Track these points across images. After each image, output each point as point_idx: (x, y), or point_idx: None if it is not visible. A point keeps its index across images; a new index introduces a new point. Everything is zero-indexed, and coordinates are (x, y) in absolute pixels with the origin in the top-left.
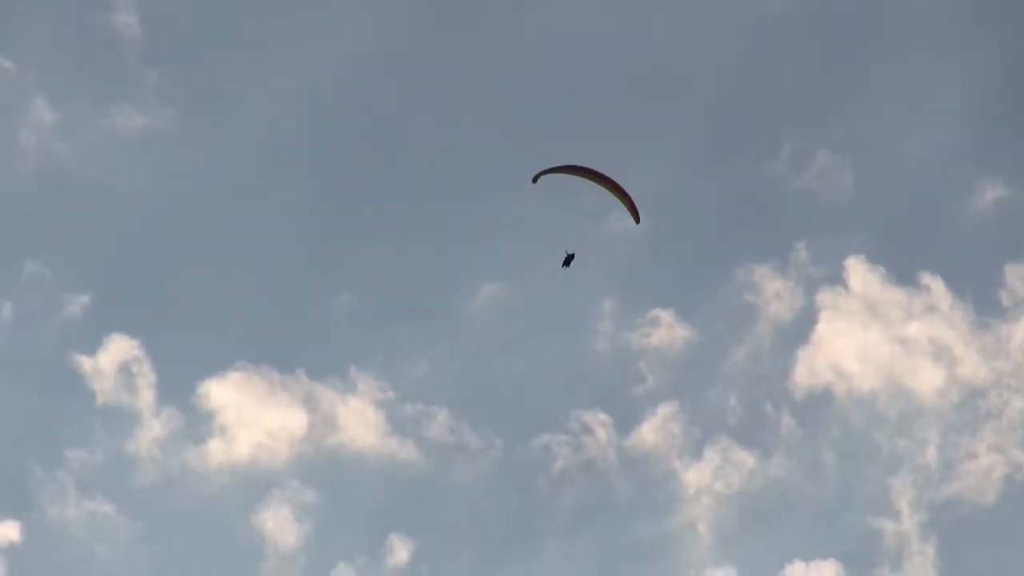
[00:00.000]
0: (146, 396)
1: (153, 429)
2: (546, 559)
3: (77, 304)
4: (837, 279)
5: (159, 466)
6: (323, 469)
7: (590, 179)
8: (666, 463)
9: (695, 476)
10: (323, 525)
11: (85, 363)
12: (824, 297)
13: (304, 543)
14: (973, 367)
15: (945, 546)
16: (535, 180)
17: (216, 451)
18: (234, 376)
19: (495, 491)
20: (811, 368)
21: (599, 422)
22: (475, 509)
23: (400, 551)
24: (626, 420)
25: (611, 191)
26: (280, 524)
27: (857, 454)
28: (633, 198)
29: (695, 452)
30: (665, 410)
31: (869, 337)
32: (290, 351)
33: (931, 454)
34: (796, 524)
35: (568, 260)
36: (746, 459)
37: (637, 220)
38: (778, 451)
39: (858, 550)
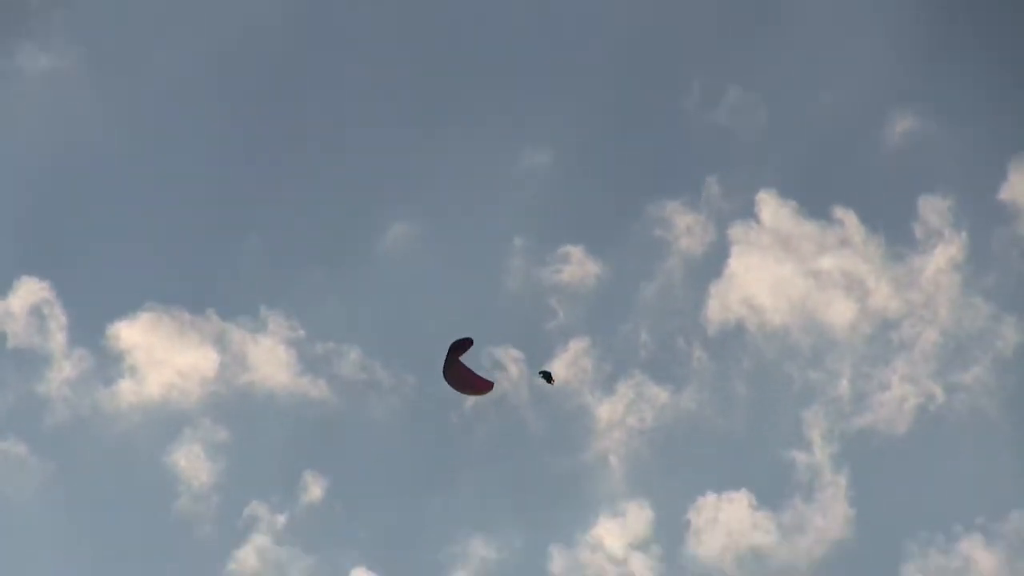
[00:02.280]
0: (57, 338)
1: (64, 370)
2: (459, 495)
3: None
4: (749, 213)
5: (71, 407)
6: (235, 408)
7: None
8: (578, 398)
9: (607, 411)
10: (236, 463)
11: None
12: (736, 231)
13: (217, 481)
14: (885, 299)
15: (857, 477)
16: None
17: (127, 391)
18: (144, 317)
19: (407, 428)
20: (723, 302)
21: (511, 358)
22: (388, 446)
23: (314, 488)
24: (538, 356)
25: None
26: (192, 463)
27: (769, 387)
28: None
29: (607, 387)
30: (577, 346)
31: (781, 271)
32: (200, 291)
33: (843, 386)
34: (708, 457)
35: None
36: (658, 393)
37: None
38: (690, 385)
39: (770, 481)
